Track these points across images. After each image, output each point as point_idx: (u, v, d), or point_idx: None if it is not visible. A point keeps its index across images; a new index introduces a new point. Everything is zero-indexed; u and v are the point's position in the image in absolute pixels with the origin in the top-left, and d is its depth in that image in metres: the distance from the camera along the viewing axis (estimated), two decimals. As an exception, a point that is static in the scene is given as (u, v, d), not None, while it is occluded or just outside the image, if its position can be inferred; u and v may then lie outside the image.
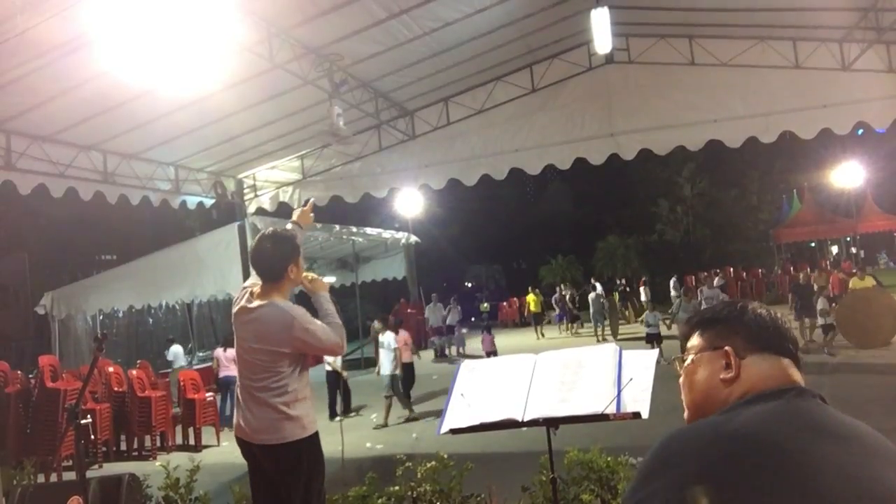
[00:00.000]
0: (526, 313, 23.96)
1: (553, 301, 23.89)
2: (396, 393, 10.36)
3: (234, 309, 3.50)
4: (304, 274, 3.60)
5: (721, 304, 1.44)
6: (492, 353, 15.35)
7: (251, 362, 3.36)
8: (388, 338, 10.67)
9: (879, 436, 1.18)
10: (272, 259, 3.40)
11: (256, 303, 3.38)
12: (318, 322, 3.40)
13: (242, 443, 3.44)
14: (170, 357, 15.19)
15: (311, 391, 3.49)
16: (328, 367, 10.64)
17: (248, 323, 3.38)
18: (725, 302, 1.43)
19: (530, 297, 23.18)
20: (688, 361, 1.39)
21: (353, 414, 11.17)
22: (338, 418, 10.30)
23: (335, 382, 10.81)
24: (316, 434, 3.42)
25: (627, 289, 26.52)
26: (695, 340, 1.39)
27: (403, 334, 11.65)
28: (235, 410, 3.53)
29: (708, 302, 14.15)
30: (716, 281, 14.83)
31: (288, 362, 3.33)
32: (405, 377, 11.26)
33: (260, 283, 3.45)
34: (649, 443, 1.21)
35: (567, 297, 23.34)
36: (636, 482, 1.18)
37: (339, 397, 10.99)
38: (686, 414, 1.37)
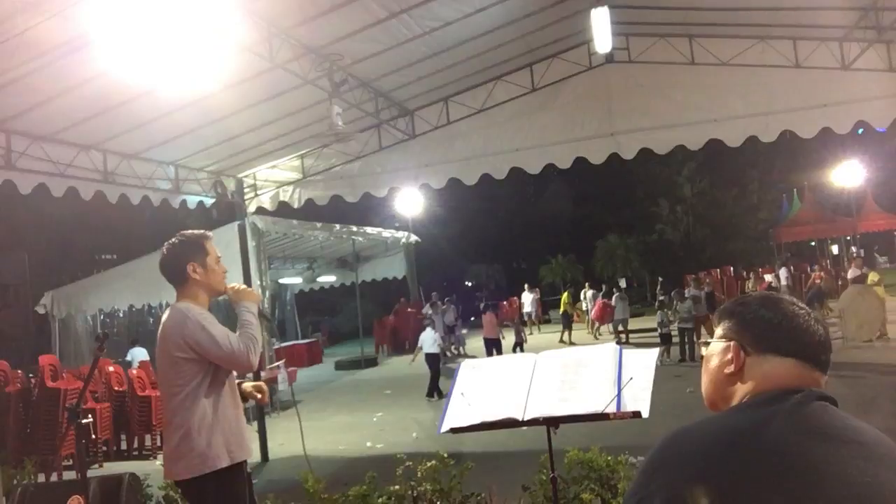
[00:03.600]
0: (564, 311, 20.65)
1: (590, 298, 21.97)
2: None
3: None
4: (233, 285, 3.31)
5: (745, 297, 1.41)
6: (520, 344, 16.40)
7: (160, 378, 3.10)
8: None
9: (887, 439, 1.17)
10: (169, 258, 3.16)
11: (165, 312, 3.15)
12: (223, 327, 3.05)
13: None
14: (129, 358, 14.70)
15: (226, 418, 3.04)
16: (432, 350, 12.37)
17: (158, 336, 3.10)
18: (754, 296, 1.39)
19: (564, 296, 21.07)
20: (707, 348, 1.40)
21: None
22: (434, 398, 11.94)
23: (435, 364, 12.35)
24: (229, 470, 2.98)
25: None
26: (719, 329, 1.39)
27: (489, 315, 14.88)
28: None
29: (695, 300, 14.38)
30: (689, 291, 15.47)
31: (188, 373, 2.96)
32: (492, 351, 14.19)
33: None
34: (649, 442, 1.22)
35: (601, 294, 21.82)
36: (637, 481, 1.18)
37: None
38: (705, 400, 1.39)
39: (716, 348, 1.35)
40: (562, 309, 20.62)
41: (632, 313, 22.27)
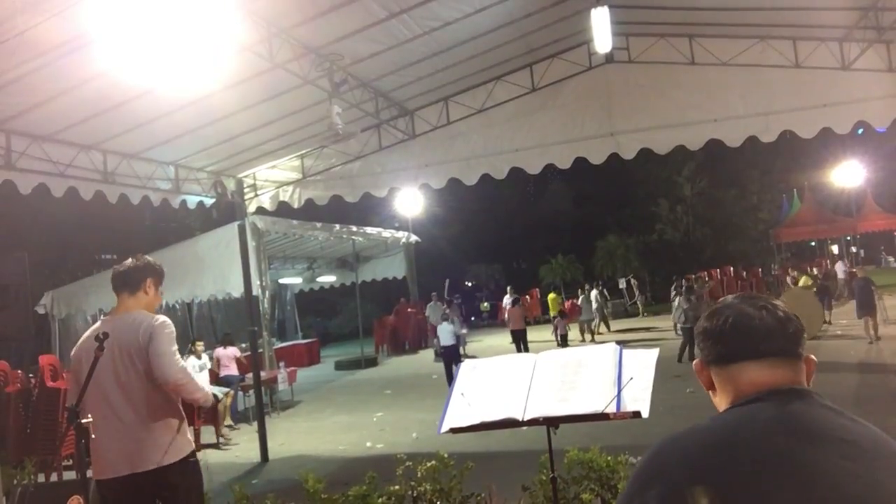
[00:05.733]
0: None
1: (594, 299, 20.86)
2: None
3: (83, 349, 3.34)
4: None
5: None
6: (564, 336, 18.09)
7: (137, 375, 3.31)
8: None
9: (882, 437, 1.15)
10: (133, 270, 3.53)
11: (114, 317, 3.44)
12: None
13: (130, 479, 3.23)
14: None
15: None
16: (449, 343, 12.75)
17: (132, 335, 3.35)
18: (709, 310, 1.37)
19: (551, 298, 20.60)
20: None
21: None
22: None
23: (450, 356, 12.66)
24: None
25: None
26: None
27: (517, 309, 16.67)
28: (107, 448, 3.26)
29: (698, 299, 14.42)
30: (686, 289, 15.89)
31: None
32: (519, 343, 15.60)
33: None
34: (649, 442, 1.21)
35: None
36: (628, 491, 1.17)
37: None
38: None
39: (696, 367, 1.36)
40: (552, 312, 20.19)
41: (628, 314, 22.27)
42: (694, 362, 1.35)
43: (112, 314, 3.50)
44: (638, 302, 26.18)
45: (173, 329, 3.43)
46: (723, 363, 1.26)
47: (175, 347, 3.40)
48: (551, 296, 21.10)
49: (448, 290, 23.23)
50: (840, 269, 24.12)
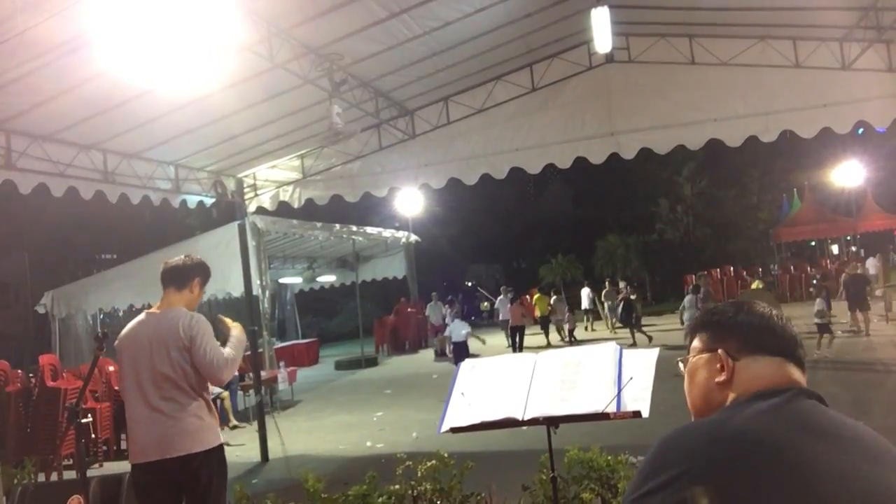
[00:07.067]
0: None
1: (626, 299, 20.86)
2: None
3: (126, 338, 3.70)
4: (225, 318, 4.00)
5: (719, 305, 1.44)
6: (573, 330, 19.22)
7: (166, 365, 3.55)
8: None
9: (879, 437, 1.18)
10: (183, 267, 3.79)
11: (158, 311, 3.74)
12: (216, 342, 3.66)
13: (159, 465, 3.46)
14: None
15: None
16: (460, 339, 13.06)
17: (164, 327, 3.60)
18: (725, 303, 1.42)
19: (537, 298, 20.10)
20: (688, 364, 1.40)
21: None
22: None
23: (461, 354, 12.79)
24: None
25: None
26: (695, 342, 1.40)
27: (516, 306, 17.61)
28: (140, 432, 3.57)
29: (689, 303, 14.48)
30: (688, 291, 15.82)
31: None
32: (515, 337, 16.91)
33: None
34: (649, 442, 1.22)
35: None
36: (636, 482, 1.18)
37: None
38: (691, 416, 1.38)
39: (700, 361, 1.36)
40: (539, 312, 19.50)
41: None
42: (719, 352, 1.32)
43: (158, 308, 3.77)
44: None
45: (207, 322, 3.67)
46: (763, 353, 1.29)
47: (216, 343, 3.63)
48: (537, 296, 20.67)
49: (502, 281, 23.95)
50: (872, 264, 24.15)
